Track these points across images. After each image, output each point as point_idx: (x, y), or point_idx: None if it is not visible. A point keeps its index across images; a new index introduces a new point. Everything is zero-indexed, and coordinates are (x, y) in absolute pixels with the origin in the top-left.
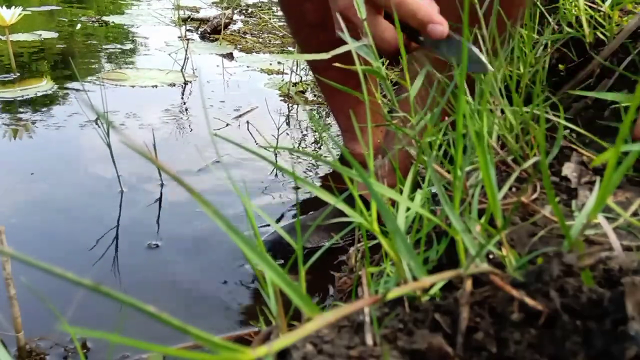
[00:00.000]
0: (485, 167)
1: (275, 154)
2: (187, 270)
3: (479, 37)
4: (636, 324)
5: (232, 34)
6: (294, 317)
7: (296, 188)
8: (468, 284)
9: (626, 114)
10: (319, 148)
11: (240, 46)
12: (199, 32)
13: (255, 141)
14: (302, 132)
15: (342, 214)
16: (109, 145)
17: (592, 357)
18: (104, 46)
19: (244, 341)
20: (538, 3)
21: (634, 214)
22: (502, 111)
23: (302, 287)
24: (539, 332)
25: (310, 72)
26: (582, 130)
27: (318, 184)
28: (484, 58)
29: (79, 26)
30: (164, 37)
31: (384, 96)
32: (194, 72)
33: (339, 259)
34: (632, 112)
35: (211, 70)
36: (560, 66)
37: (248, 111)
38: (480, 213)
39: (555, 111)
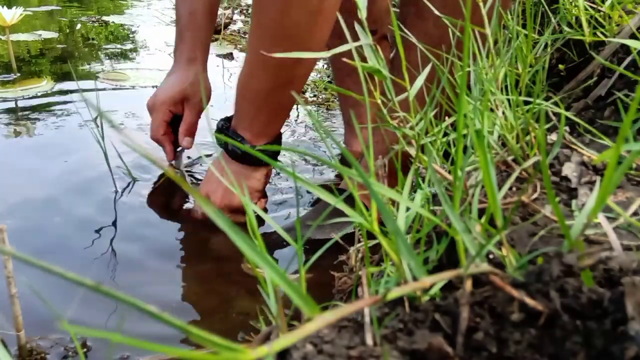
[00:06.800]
0: (485, 166)
1: None
2: (187, 270)
3: (477, 34)
4: (636, 324)
5: (232, 34)
6: (294, 317)
7: (295, 188)
8: (468, 284)
9: (626, 114)
10: (319, 148)
11: (240, 46)
12: None
13: None
14: (302, 132)
15: (342, 213)
16: (99, 143)
17: (592, 357)
18: (104, 46)
19: (244, 341)
20: (543, 1)
21: (634, 214)
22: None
23: (302, 287)
24: (539, 332)
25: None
26: (582, 124)
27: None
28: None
29: (79, 26)
30: (164, 37)
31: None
32: None
33: (339, 258)
34: (632, 112)
35: (211, 70)
36: (560, 66)
37: None
38: (480, 213)
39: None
